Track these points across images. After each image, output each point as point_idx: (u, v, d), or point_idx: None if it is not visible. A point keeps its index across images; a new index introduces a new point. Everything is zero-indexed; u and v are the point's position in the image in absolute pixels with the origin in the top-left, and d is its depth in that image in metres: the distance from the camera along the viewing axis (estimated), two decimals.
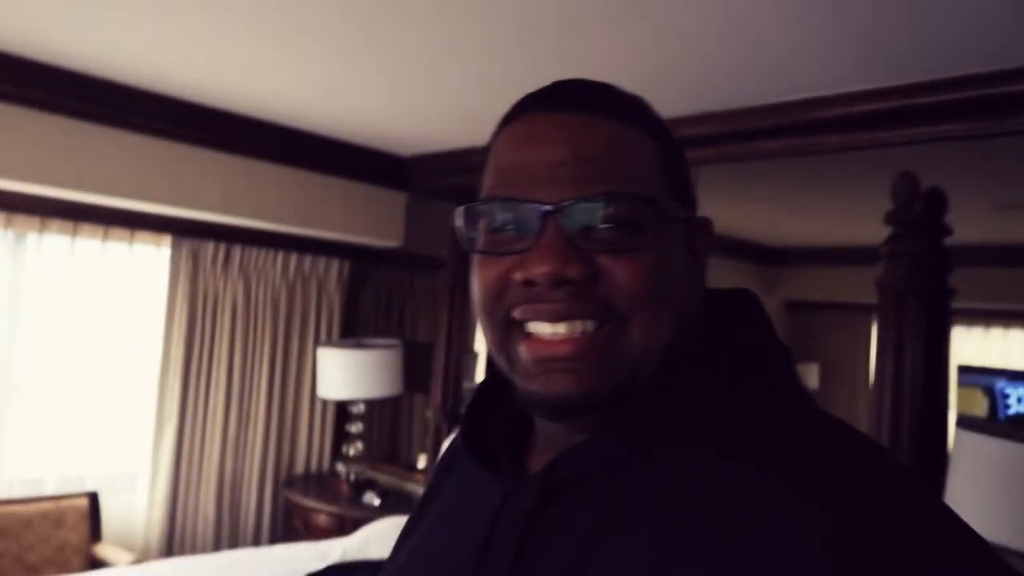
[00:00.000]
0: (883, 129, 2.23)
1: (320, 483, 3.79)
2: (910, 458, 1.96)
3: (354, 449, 3.79)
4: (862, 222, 3.60)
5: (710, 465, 0.50)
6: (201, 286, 3.56)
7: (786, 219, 4.98)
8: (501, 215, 0.56)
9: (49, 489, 3.22)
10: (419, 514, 0.74)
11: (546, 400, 0.55)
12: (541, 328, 0.55)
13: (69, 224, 3.22)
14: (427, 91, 2.62)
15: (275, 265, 3.79)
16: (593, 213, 0.54)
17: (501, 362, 0.59)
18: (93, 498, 3.24)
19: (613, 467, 0.54)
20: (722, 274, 5.78)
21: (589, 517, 0.52)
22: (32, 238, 3.20)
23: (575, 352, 0.54)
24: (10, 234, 3.16)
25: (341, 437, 3.93)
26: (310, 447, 3.95)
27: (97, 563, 3.09)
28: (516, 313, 0.56)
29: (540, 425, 0.62)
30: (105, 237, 3.33)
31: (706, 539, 0.47)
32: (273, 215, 3.40)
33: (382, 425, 4.31)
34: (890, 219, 2.07)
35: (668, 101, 2.44)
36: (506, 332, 0.57)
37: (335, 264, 4.00)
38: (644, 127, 0.59)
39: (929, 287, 2.00)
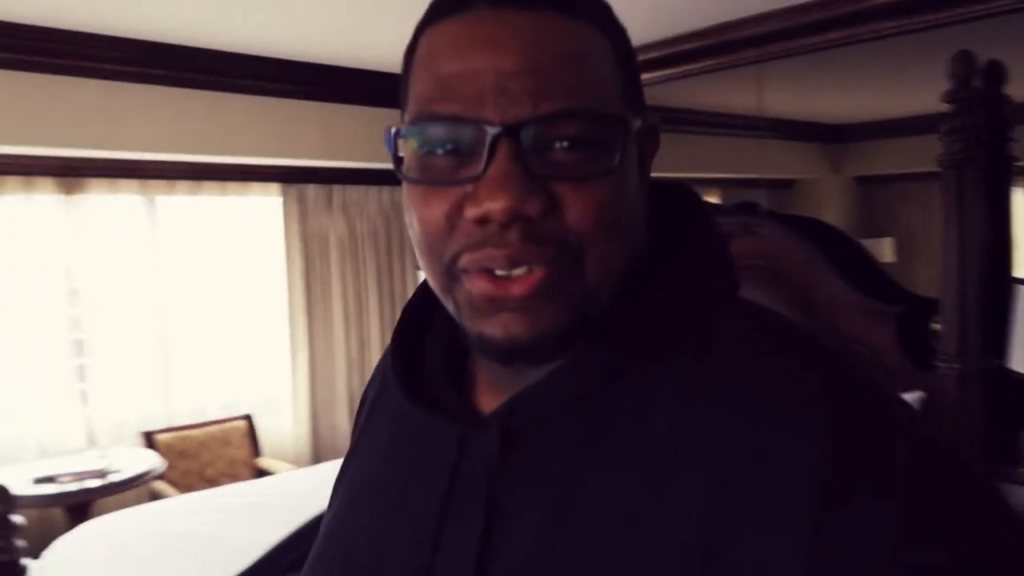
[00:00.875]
0: (934, 10, 2.35)
1: None
2: (977, 321, 2.18)
3: None
4: (926, 92, 3.67)
5: (682, 398, 0.47)
6: (311, 226, 3.94)
7: (849, 97, 5.00)
8: (441, 136, 0.47)
9: (212, 415, 3.74)
10: (352, 453, 0.67)
11: (499, 343, 0.49)
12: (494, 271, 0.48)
13: (192, 184, 3.62)
14: None
15: (371, 200, 4.13)
16: (553, 133, 0.46)
17: (447, 304, 0.52)
18: (249, 420, 3.76)
19: (575, 406, 0.50)
20: (789, 157, 5.86)
21: (559, 463, 0.48)
22: (162, 200, 3.61)
23: (528, 292, 0.47)
24: (143, 199, 3.58)
25: None
26: None
27: (262, 472, 3.62)
28: (464, 261, 0.48)
29: (484, 361, 0.55)
30: (223, 192, 3.73)
31: (687, 479, 0.44)
32: (367, 154, 3.71)
33: None
34: (948, 97, 2.23)
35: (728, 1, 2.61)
36: (451, 277, 0.50)
37: None
38: (602, 26, 0.50)
39: (989, 157, 2.17)
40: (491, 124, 0.46)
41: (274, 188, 3.86)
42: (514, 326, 0.48)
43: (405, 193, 0.51)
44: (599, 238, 0.48)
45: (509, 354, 0.49)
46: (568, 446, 0.49)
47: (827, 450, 0.42)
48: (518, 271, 0.47)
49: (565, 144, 0.46)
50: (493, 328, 0.49)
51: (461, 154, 0.47)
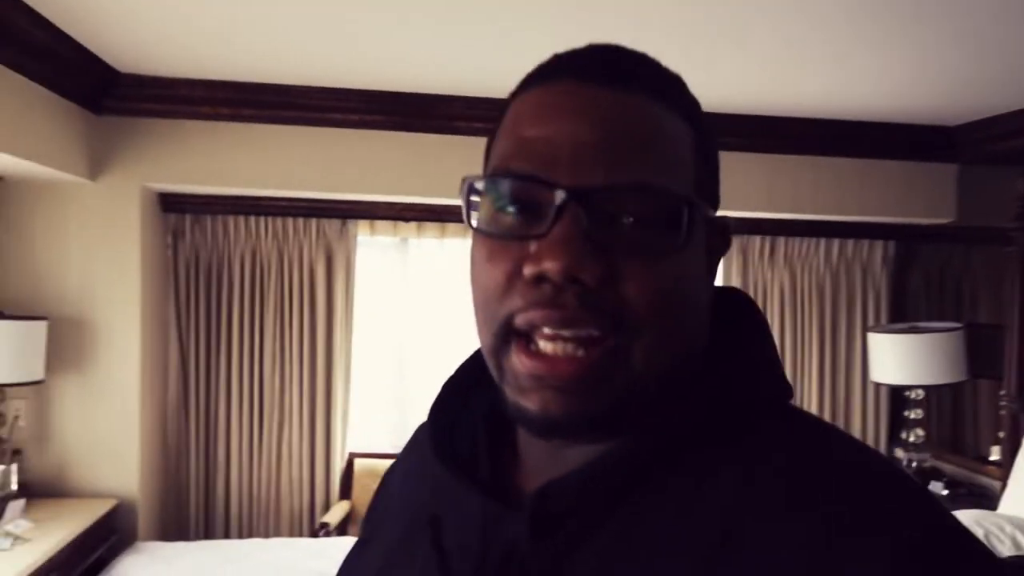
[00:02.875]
0: None
1: None
2: None
3: (914, 436, 3.67)
4: None
5: (732, 507, 0.45)
6: (751, 278, 3.88)
7: None
8: (512, 192, 0.49)
9: None
10: (367, 540, 0.66)
11: (538, 418, 0.49)
12: (543, 339, 0.48)
13: (439, 226, 3.74)
14: (972, 56, 2.46)
15: (818, 252, 3.91)
16: (620, 205, 0.47)
17: (492, 368, 0.52)
18: None
19: (612, 496, 0.48)
20: None
21: (590, 556, 0.47)
22: (412, 241, 3.83)
23: (575, 373, 0.47)
24: (397, 239, 3.79)
25: (896, 423, 3.84)
26: (864, 431, 3.96)
27: None
28: (519, 320, 0.49)
29: (524, 434, 0.55)
30: None
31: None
32: (812, 206, 3.53)
33: (942, 412, 4.07)
34: None
35: None
36: (502, 340, 0.50)
37: (879, 246, 3.93)
38: (684, 112, 0.52)
39: None
40: (561, 187, 0.47)
41: None
42: (553, 405, 0.48)
43: (472, 248, 0.52)
44: (655, 318, 0.48)
45: (543, 430, 0.50)
46: (601, 539, 0.48)
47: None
48: (567, 345, 0.47)
49: (631, 218, 0.47)
50: (531, 403, 0.49)
51: (530, 213, 0.48)
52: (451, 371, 0.63)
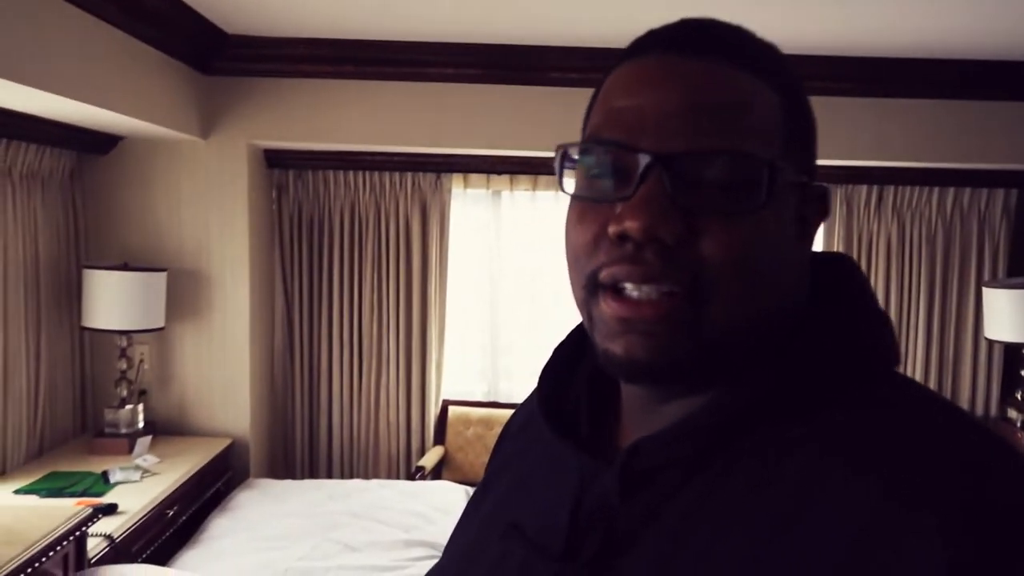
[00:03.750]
0: None
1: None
2: None
3: None
4: None
5: (807, 463, 0.47)
6: (855, 229, 3.71)
7: None
8: (602, 160, 0.52)
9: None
10: (487, 482, 0.69)
11: (624, 362, 0.52)
12: (627, 288, 0.51)
13: (531, 179, 3.69)
14: None
15: (930, 201, 3.70)
16: (701, 169, 0.49)
17: (584, 319, 0.56)
18: None
19: (698, 455, 0.51)
20: None
21: (676, 510, 0.50)
22: (505, 194, 3.79)
23: (657, 316, 0.50)
24: (490, 192, 3.78)
25: (1011, 382, 3.65)
26: (974, 390, 3.77)
27: None
28: (603, 275, 0.52)
29: (625, 390, 0.59)
30: None
31: (802, 546, 0.44)
32: (928, 153, 3.33)
33: None
34: None
35: None
36: (590, 292, 0.53)
37: (999, 195, 3.68)
38: (771, 79, 0.53)
39: None
40: (646, 152, 0.49)
41: None
42: (636, 348, 0.51)
43: (567, 212, 0.56)
44: (732, 276, 0.49)
45: (628, 373, 0.53)
46: (686, 499, 0.50)
47: (957, 564, 0.39)
48: (650, 291, 0.50)
49: (713, 181, 0.49)
50: (617, 347, 0.52)
51: (618, 178, 0.51)
52: (559, 333, 0.67)
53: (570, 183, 0.55)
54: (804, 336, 0.52)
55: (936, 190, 3.67)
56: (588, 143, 0.54)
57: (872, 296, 0.56)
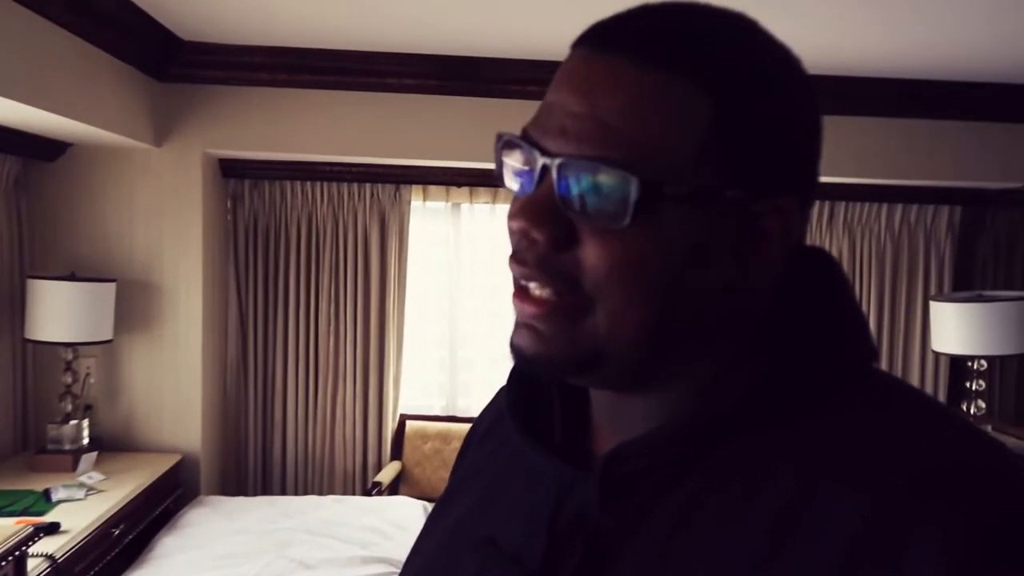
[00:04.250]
0: None
1: None
2: None
3: (974, 407, 3.58)
4: None
5: (807, 468, 0.46)
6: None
7: None
8: (524, 156, 0.51)
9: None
10: (451, 491, 0.66)
11: (515, 353, 0.53)
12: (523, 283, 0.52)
13: (491, 191, 3.71)
14: None
15: (879, 218, 3.79)
16: (580, 178, 0.47)
17: None
18: None
19: (679, 462, 0.49)
20: None
21: (659, 521, 0.48)
22: (465, 206, 3.80)
23: (535, 312, 0.50)
24: (449, 204, 3.78)
25: (956, 394, 3.75)
26: None
27: None
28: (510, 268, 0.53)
29: (593, 393, 0.57)
30: None
31: (803, 554, 0.43)
32: (877, 170, 3.42)
33: (1005, 384, 3.95)
34: None
35: None
36: (514, 283, 0.54)
37: (944, 212, 3.80)
38: (701, 78, 0.47)
39: None
40: (543, 154, 0.49)
41: None
42: (523, 341, 0.52)
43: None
44: (613, 288, 0.48)
45: (519, 365, 0.54)
46: (672, 503, 0.48)
47: (959, 564, 0.39)
48: (536, 288, 0.50)
49: (592, 193, 0.47)
50: (513, 338, 0.53)
51: (530, 176, 0.50)
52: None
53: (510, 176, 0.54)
54: (779, 335, 0.50)
55: (885, 206, 3.78)
56: (513, 136, 0.53)
57: (849, 289, 0.54)
